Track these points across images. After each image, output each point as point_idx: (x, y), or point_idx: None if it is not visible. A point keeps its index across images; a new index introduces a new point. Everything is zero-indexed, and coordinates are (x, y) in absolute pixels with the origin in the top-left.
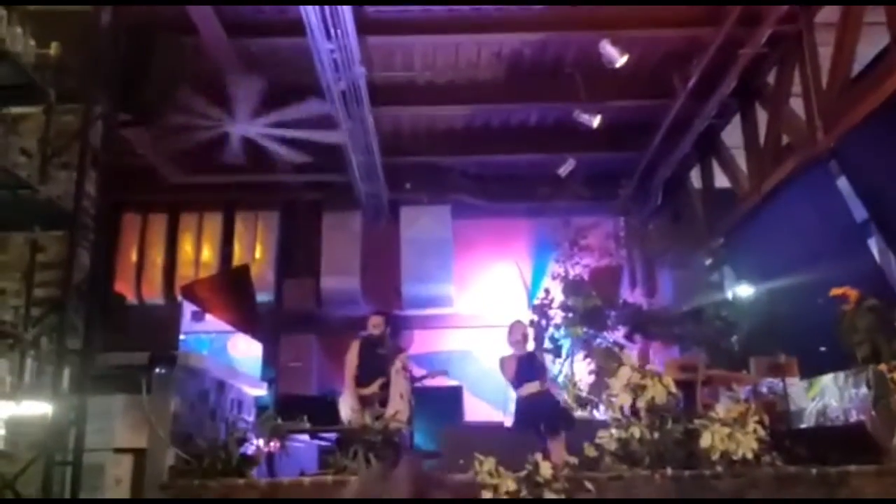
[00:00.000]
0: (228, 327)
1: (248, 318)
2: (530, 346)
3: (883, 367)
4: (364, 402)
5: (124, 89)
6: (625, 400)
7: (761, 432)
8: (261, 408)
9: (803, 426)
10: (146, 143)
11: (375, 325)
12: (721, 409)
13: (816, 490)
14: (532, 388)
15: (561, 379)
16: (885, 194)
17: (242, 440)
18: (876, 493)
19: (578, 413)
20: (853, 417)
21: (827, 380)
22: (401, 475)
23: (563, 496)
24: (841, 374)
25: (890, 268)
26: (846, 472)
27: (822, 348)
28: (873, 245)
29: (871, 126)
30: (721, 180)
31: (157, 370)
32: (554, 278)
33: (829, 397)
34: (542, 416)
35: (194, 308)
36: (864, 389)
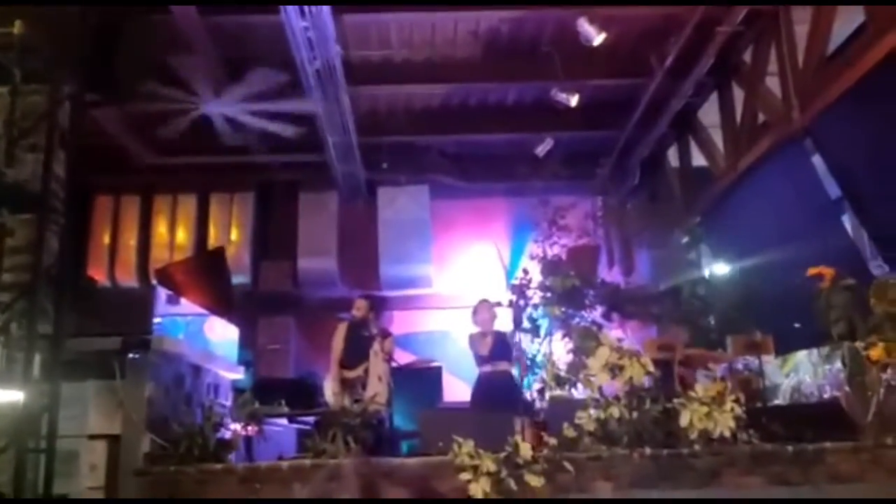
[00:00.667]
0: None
1: (223, 301)
2: (505, 326)
3: (858, 344)
4: (347, 385)
5: (93, 68)
6: (603, 379)
7: (738, 410)
8: (238, 391)
9: (779, 403)
10: (117, 124)
11: (359, 307)
12: (699, 388)
13: (792, 467)
14: (501, 366)
15: (539, 358)
16: (857, 172)
17: (219, 425)
18: (851, 470)
19: (556, 392)
20: (827, 393)
21: (801, 356)
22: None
23: (542, 477)
24: (815, 351)
25: (863, 244)
26: (822, 449)
27: (797, 325)
28: (847, 222)
29: (845, 104)
30: (698, 159)
31: (131, 355)
32: (532, 258)
33: (803, 373)
34: (501, 395)
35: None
36: (837, 365)
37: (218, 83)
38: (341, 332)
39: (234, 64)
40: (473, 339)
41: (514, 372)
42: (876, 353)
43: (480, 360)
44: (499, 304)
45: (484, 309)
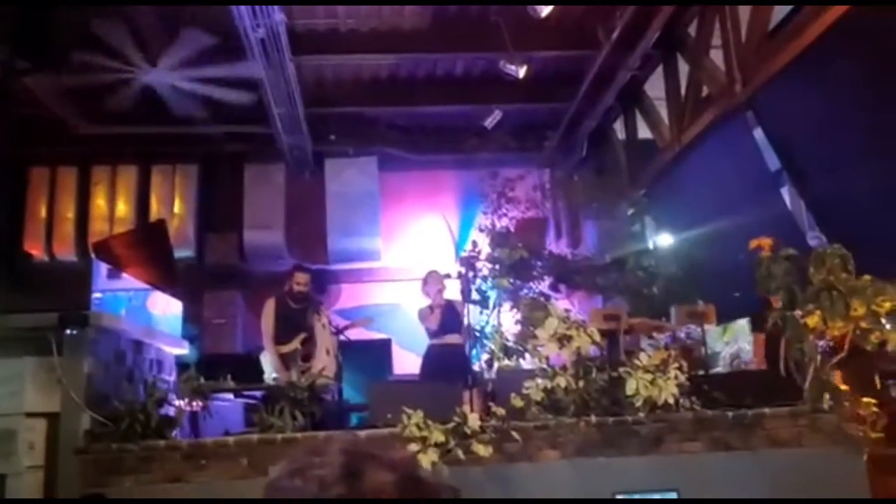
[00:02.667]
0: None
1: (165, 275)
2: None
3: (797, 312)
4: (285, 359)
5: (24, 35)
6: (551, 349)
7: (681, 378)
8: (183, 367)
9: (720, 370)
10: (51, 93)
11: (303, 282)
12: (644, 357)
13: (732, 433)
14: (452, 339)
15: (488, 329)
16: (796, 144)
17: (162, 401)
18: (790, 434)
19: (505, 363)
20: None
21: (741, 324)
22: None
23: (490, 447)
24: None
25: (801, 215)
26: (761, 414)
27: (737, 294)
28: (785, 193)
29: (786, 79)
30: (644, 132)
31: (68, 331)
32: (481, 230)
33: (742, 341)
34: (450, 366)
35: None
36: None
37: (158, 51)
38: (270, 309)
39: (175, 31)
40: (423, 314)
41: (464, 343)
42: (813, 321)
43: (430, 334)
44: (448, 276)
45: (433, 280)
